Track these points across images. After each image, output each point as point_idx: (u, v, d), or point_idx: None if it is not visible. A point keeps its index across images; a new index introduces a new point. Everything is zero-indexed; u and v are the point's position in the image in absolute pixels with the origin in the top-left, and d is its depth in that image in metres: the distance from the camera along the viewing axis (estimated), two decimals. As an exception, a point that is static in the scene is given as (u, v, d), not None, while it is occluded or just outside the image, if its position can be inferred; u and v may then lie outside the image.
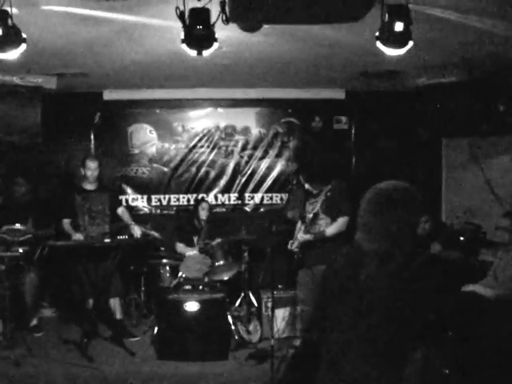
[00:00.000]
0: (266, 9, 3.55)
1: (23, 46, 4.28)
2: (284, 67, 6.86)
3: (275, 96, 8.42)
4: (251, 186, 8.65)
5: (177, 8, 3.81)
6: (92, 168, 6.98)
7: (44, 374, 5.93)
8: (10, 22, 4.07)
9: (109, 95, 8.21)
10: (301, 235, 6.34)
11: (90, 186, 7.11)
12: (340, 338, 2.62)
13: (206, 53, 4.19)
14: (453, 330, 5.70)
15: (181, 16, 3.78)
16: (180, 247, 7.71)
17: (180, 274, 7.19)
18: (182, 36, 4.07)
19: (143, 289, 7.89)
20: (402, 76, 7.03)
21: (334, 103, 8.43)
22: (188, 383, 5.89)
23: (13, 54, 4.30)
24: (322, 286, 2.96)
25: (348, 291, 2.63)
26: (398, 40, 4.09)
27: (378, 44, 4.17)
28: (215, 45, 4.16)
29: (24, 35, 4.25)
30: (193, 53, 4.18)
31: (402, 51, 4.21)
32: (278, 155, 8.62)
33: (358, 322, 2.53)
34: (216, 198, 8.64)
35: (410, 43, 4.15)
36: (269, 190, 8.65)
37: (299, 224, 6.55)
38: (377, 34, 4.15)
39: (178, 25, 4.06)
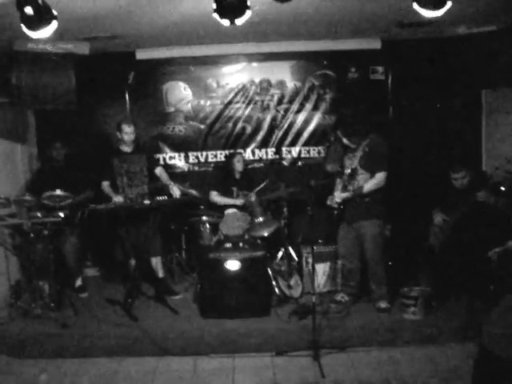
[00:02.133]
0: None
1: (54, 24, 4.28)
2: (317, 20, 6.71)
3: (309, 48, 8.24)
4: (288, 140, 8.58)
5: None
6: (128, 132, 7.01)
7: (90, 335, 6.09)
8: (40, 0, 4.05)
9: (141, 54, 8.12)
10: (338, 194, 6.33)
11: (126, 148, 7.14)
12: None
13: (238, 22, 4.13)
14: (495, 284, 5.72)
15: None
16: (213, 195, 7.77)
17: (220, 231, 7.24)
18: (214, 6, 4.00)
19: (184, 247, 8.01)
20: (441, 25, 6.84)
21: (369, 53, 8.21)
22: (232, 340, 5.98)
23: (45, 33, 4.30)
24: None
25: None
26: (435, 1, 3.97)
27: (415, 5, 4.05)
28: (248, 13, 4.09)
29: (55, 12, 4.24)
30: (226, 22, 4.12)
31: (439, 13, 4.08)
32: (315, 108, 8.51)
33: None
34: (253, 153, 8.61)
35: (449, 4, 4.02)
36: (306, 144, 8.57)
37: (338, 179, 6.53)
38: (413, -6, 4.04)
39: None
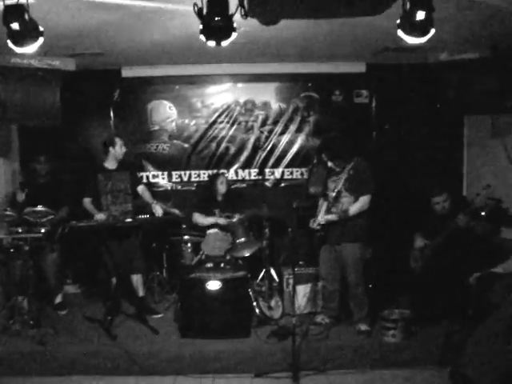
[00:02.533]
0: (284, 4, 3.51)
1: (41, 40, 4.30)
2: (303, 42, 6.78)
3: (295, 70, 8.32)
4: (271, 161, 8.60)
5: (195, 4, 3.78)
6: (123, 145, 7.08)
7: (69, 352, 6.00)
8: (26, 16, 4.07)
9: (127, 72, 8.18)
10: (323, 216, 6.34)
11: (111, 165, 7.13)
12: None
13: (224, 43, 4.16)
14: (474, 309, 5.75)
15: (199, 13, 3.75)
16: (196, 216, 7.73)
17: (201, 251, 7.23)
18: (201, 27, 4.04)
19: (165, 266, 7.98)
20: (424, 51, 6.92)
21: (354, 77, 8.32)
22: (211, 360, 5.92)
23: (30, 48, 4.31)
24: None
25: None
26: (419, 29, 4.03)
27: (399, 32, 4.11)
28: (234, 34, 4.13)
29: (41, 28, 4.26)
30: (211, 43, 4.15)
31: (423, 39, 4.15)
32: (299, 130, 8.56)
33: None
34: (236, 173, 8.62)
35: (432, 31, 4.08)
36: (289, 165, 8.60)
37: (321, 201, 6.55)
38: (398, 21, 4.09)
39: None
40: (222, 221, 7.51)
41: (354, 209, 6.19)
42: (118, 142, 7.06)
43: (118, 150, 7.04)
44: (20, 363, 5.95)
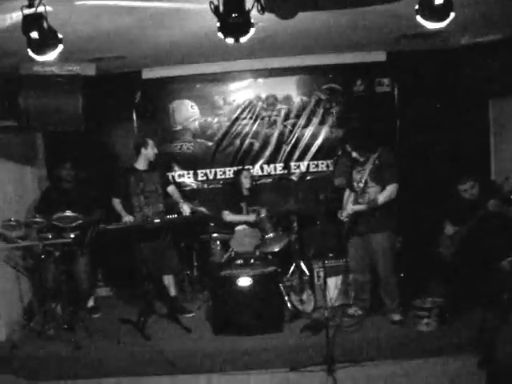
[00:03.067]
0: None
1: (60, 47, 4.32)
2: (321, 34, 6.73)
3: (315, 62, 8.27)
4: (296, 154, 8.57)
5: (211, 2, 3.77)
6: (154, 146, 7.12)
7: (103, 355, 6.08)
8: (45, 24, 4.09)
9: (148, 74, 8.23)
10: (351, 206, 6.32)
11: (141, 166, 7.15)
12: None
13: (243, 39, 4.15)
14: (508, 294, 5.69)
15: (215, 11, 3.75)
16: (226, 214, 7.76)
17: (231, 248, 7.25)
18: (218, 24, 4.03)
19: (195, 264, 8.01)
20: (444, 36, 6.84)
21: (375, 66, 8.25)
22: (245, 357, 5.95)
23: (50, 56, 4.34)
24: None
25: None
26: (438, 13, 3.98)
27: (418, 18, 4.06)
28: (252, 30, 4.12)
29: (60, 35, 4.29)
30: (230, 40, 4.15)
31: (442, 24, 4.09)
32: (322, 122, 8.51)
33: None
34: (262, 168, 8.61)
35: (451, 15, 4.02)
36: (314, 158, 8.56)
37: (347, 192, 6.55)
38: (416, 7, 4.04)
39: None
40: (252, 218, 7.52)
41: (381, 198, 6.16)
42: (150, 143, 7.10)
43: (150, 150, 7.08)
44: (56, 367, 6.05)
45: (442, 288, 6.62)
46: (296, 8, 3.95)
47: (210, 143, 8.62)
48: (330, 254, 7.21)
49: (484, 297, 6.07)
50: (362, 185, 6.27)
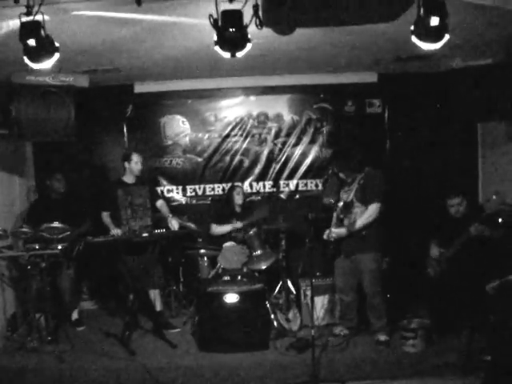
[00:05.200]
0: (299, 13, 3.50)
1: (56, 55, 4.33)
2: (314, 53, 6.79)
3: (306, 82, 8.33)
4: (286, 173, 8.59)
5: (210, 16, 3.79)
6: (139, 162, 7.06)
7: (87, 369, 6.01)
8: (42, 32, 4.10)
9: (140, 88, 8.24)
10: (333, 230, 6.33)
11: (130, 180, 7.14)
12: None
13: (239, 54, 4.17)
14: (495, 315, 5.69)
15: (214, 23, 3.76)
16: (213, 227, 7.79)
17: (218, 264, 7.23)
18: (215, 38, 4.05)
19: (182, 280, 7.96)
20: (436, 58, 6.91)
21: (366, 87, 8.32)
22: (230, 374, 5.90)
23: (46, 64, 4.34)
24: None
25: None
26: (433, 34, 4.02)
27: (413, 38, 4.11)
28: (248, 45, 4.14)
29: (57, 44, 4.29)
30: (226, 55, 4.16)
31: (437, 45, 4.13)
32: (312, 141, 8.54)
33: None
34: (251, 186, 8.62)
35: (446, 37, 4.07)
36: (303, 177, 8.58)
37: (335, 212, 6.55)
38: (412, 28, 4.08)
39: (208, 22, 4.04)
40: (239, 224, 7.55)
41: (360, 221, 6.20)
42: (134, 158, 7.06)
43: (134, 165, 7.05)
44: (38, 380, 5.97)
45: (428, 309, 6.62)
46: (295, 24, 3.97)
47: (200, 159, 8.61)
48: (318, 273, 7.20)
49: (470, 319, 6.07)
50: (341, 204, 6.30)
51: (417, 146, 8.23)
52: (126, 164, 7.08)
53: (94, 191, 7.53)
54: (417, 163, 8.19)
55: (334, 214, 6.49)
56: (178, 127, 8.57)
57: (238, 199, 7.80)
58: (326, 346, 6.23)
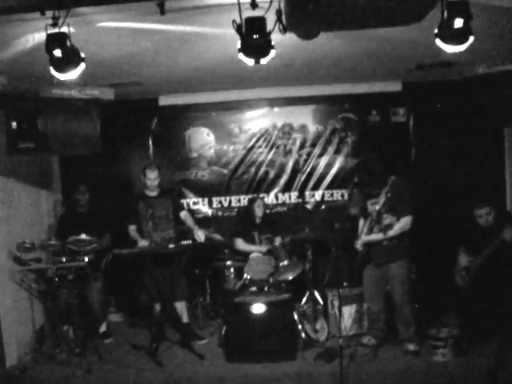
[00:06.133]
0: (323, 16, 3.51)
1: (82, 66, 4.36)
2: (338, 63, 6.78)
3: (331, 92, 8.33)
4: (311, 183, 8.59)
5: (233, 21, 3.81)
6: (152, 178, 7.06)
7: (115, 381, 6.05)
8: (68, 43, 4.14)
9: (164, 101, 8.31)
10: (365, 237, 6.33)
11: (152, 193, 7.18)
12: None
13: (263, 61, 4.17)
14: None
15: (238, 29, 3.78)
16: (239, 243, 7.77)
17: (245, 275, 7.21)
18: (239, 45, 4.06)
19: (209, 291, 7.98)
20: (461, 65, 6.87)
21: (390, 96, 8.30)
22: (258, 385, 5.90)
23: (72, 75, 4.38)
24: None
25: None
26: (457, 37, 3.99)
27: (438, 41, 4.08)
28: (272, 52, 4.14)
29: (82, 54, 4.33)
30: (250, 62, 4.17)
31: (462, 48, 4.09)
32: (337, 151, 8.54)
33: None
34: (276, 197, 8.63)
35: (471, 39, 4.04)
36: (329, 187, 8.57)
37: (362, 221, 6.53)
38: (436, 30, 4.06)
39: (232, 31, 4.05)
40: (264, 248, 7.54)
41: (393, 231, 6.16)
42: (148, 174, 7.06)
43: (147, 181, 7.07)
44: (67, 391, 5.99)
45: (457, 318, 6.54)
46: (318, 28, 3.97)
47: (225, 171, 8.65)
48: (345, 283, 7.17)
49: (501, 327, 5.99)
50: (374, 214, 6.27)
51: (442, 154, 8.18)
52: (142, 178, 7.13)
53: (118, 204, 7.54)
54: (443, 171, 8.14)
55: (361, 223, 6.47)
56: (203, 139, 8.61)
57: (259, 211, 7.79)
58: (353, 356, 6.19)
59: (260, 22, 3.91)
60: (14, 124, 6.18)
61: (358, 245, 6.40)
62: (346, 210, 7.06)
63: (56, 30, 4.12)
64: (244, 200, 8.59)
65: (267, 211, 8.12)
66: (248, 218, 7.90)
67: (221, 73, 6.84)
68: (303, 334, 6.66)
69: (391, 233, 6.16)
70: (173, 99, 8.29)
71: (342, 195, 8.50)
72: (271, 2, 3.79)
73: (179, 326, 7.16)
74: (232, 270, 7.59)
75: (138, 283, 7.31)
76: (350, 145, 8.53)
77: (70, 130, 6.42)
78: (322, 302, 7.21)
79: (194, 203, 8.65)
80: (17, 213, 6.97)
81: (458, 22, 3.87)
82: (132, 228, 7.09)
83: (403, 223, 6.16)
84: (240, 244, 7.76)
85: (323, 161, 8.55)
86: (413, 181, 6.68)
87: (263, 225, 7.86)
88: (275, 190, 8.63)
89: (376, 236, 6.26)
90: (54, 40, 4.14)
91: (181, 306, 7.19)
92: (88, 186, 7.46)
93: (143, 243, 6.79)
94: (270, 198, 8.54)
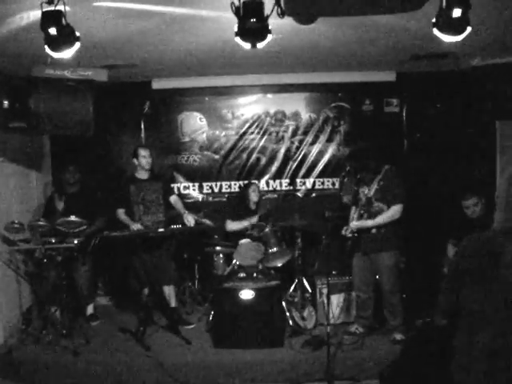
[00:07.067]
0: (321, 1, 3.48)
1: (77, 45, 4.33)
2: (333, 51, 6.76)
3: (325, 80, 8.29)
4: (302, 171, 8.58)
5: (232, 3, 3.79)
6: (146, 155, 7.04)
7: (102, 363, 6.03)
8: (63, 21, 4.11)
9: (158, 84, 8.23)
10: (355, 223, 6.31)
11: (143, 176, 7.14)
12: (488, 329, 2.57)
13: (260, 45, 4.16)
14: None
15: (236, 12, 3.76)
16: (229, 223, 7.77)
17: (234, 261, 7.21)
18: (236, 29, 4.04)
19: (197, 276, 7.97)
20: (455, 57, 6.87)
21: (384, 85, 8.28)
22: (244, 371, 5.91)
23: (67, 53, 4.35)
24: (453, 270, 2.91)
25: (489, 279, 2.57)
26: (455, 26, 3.99)
27: (435, 30, 4.07)
28: (269, 37, 4.13)
29: (77, 33, 4.30)
30: (247, 45, 4.15)
31: (459, 38, 4.09)
32: (329, 140, 8.52)
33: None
34: (267, 183, 8.62)
35: (468, 29, 4.03)
36: (320, 175, 8.57)
37: (353, 210, 6.52)
38: (433, 20, 4.05)
39: (229, 15, 4.04)
40: (254, 219, 7.55)
41: (382, 217, 6.17)
42: (141, 152, 7.07)
43: (142, 159, 7.04)
44: (53, 373, 6.00)
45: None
46: (315, 12, 3.95)
47: (217, 156, 8.62)
48: (334, 271, 7.16)
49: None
50: (364, 200, 6.29)
51: (434, 145, 8.17)
52: (135, 160, 7.09)
53: (109, 187, 7.50)
54: (434, 162, 8.13)
55: (352, 210, 6.47)
56: (196, 124, 8.58)
57: (254, 196, 7.79)
58: (340, 344, 6.21)
59: (258, 5, 3.89)
60: (6, 103, 6.13)
61: (347, 230, 6.39)
62: (336, 198, 7.02)
63: (52, 8, 4.09)
64: (235, 186, 8.58)
65: (261, 197, 8.12)
66: (242, 202, 7.89)
67: (215, 57, 6.80)
68: (291, 322, 6.66)
69: (379, 219, 6.17)
70: (166, 83, 8.21)
71: (333, 183, 8.50)
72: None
73: (167, 311, 7.16)
74: (221, 255, 7.58)
75: (127, 266, 7.27)
76: (342, 133, 8.52)
77: (63, 110, 6.36)
78: (310, 290, 7.23)
79: (185, 188, 8.62)
80: (6, 193, 6.94)
81: (457, 12, 3.86)
82: (121, 211, 7.04)
83: (393, 211, 6.16)
84: (229, 224, 7.75)
85: (315, 149, 8.54)
86: (405, 171, 6.67)
87: (257, 210, 7.87)
88: (266, 177, 8.62)
89: (365, 222, 6.26)
90: (50, 18, 4.11)
91: (169, 290, 7.18)
92: (78, 168, 7.41)
93: (136, 226, 6.75)
94: (261, 185, 8.49)
